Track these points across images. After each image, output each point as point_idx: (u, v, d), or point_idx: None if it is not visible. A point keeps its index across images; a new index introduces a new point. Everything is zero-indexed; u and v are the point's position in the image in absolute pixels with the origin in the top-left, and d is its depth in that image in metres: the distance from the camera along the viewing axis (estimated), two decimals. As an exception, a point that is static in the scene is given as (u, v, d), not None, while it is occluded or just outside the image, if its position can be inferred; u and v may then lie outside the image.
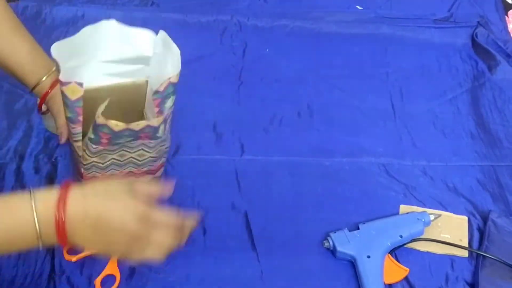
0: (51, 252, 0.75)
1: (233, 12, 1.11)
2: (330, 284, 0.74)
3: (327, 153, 0.89)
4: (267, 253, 0.77)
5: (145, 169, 0.68)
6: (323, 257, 0.76)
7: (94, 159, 0.62)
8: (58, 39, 1.04)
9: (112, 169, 0.65)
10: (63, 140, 0.78)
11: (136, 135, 0.60)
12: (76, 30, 1.08)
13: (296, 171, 0.87)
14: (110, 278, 0.72)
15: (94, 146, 0.60)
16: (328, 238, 0.76)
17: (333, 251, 0.76)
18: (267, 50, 1.06)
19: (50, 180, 0.82)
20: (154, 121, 0.59)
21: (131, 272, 0.74)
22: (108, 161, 0.64)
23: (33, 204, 0.49)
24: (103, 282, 0.72)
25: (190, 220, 0.58)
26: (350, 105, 0.97)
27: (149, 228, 0.53)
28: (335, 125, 0.94)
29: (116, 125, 0.57)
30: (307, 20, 1.11)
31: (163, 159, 0.69)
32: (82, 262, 0.74)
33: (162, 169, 0.71)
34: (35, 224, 0.49)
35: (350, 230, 0.77)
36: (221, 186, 0.84)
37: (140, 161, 0.66)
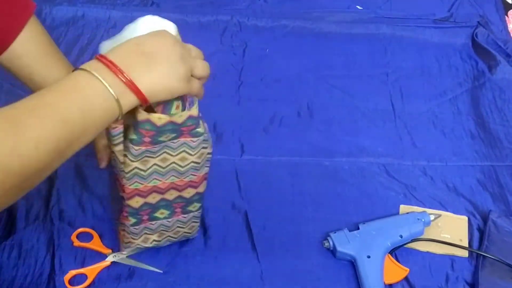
0: (51, 252, 0.75)
1: (233, 12, 1.11)
2: (330, 284, 0.74)
3: (327, 153, 0.89)
4: (267, 253, 0.77)
5: (187, 179, 0.64)
6: (323, 257, 0.76)
7: (136, 164, 0.60)
8: (58, 39, 1.06)
9: (154, 178, 0.63)
10: (103, 164, 0.75)
11: (178, 130, 0.58)
12: (76, 30, 1.10)
13: (296, 171, 0.87)
14: (82, 277, 0.73)
15: (136, 148, 0.58)
16: (328, 238, 0.76)
17: (333, 251, 0.76)
18: (267, 50, 1.06)
19: (49, 180, 0.82)
20: (194, 110, 0.58)
21: (131, 272, 0.74)
22: (150, 167, 0.61)
23: (94, 74, 0.49)
24: (75, 281, 0.72)
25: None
26: (350, 105, 0.97)
27: (185, 49, 0.56)
28: (335, 125, 0.94)
29: (159, 118, 0.56)
30: (307, 20, 1.11)
31: (206, 169, 0.65)
32: (82, 262, 0.74)
33: (205, 183, 0.67)
34: (105, 85, 0.49)
35: (350, 230, 0.77)
36: (221, 186, 0.84)
37: (182, 167, 0.62)
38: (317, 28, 1.10)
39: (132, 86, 0.50)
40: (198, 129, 0.59)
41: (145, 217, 0.68)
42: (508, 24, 1.15)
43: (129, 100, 0.51)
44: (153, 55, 0.53)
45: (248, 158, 0.88)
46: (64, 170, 0.83)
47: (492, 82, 1.01)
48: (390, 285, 0.74)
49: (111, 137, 0.58)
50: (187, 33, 1.06)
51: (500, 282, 0.73)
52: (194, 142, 0.60)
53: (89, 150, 0.86)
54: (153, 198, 0.65)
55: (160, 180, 0.63)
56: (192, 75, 0.56)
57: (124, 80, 0.50)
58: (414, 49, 1.08)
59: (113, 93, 0.49)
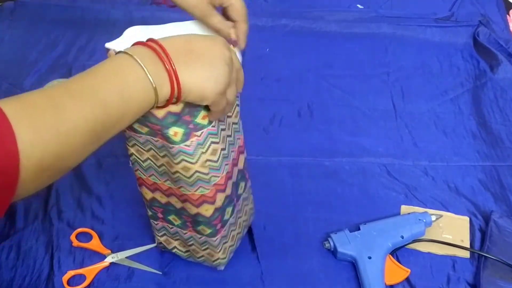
0: (50, 252, 0.74)
1: (233, 11, 1.10)
2: (330, 285, 0.74)
3: (327, 153, 0.89)
4: (267, 253, 0.76)
5: (182, 190, 0.60)
6: (324, 257, 0.76)
7: (132, 150, 0.59)
8: (57, 38, 1.05)
9: (152, 174, 0.61)
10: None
11: (145, 123, 0.54)
12: (76, 29, 1.09)
13: (296, 171, 0.86)
14: (81, 277, 0.73)
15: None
16: (329, 238, 0.76)
17: (333, 252, 0.76)
18: (267, 49, 1.06)
19: (49, 180, 0.81)
20: (158, 111, 0.52)
21: (130, 273, 0.73)
22: (146, 160, 0.59)
23: (137, 59, 0.48)
24: (73, 281, 0.72)
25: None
26: (350, 104, 0.97)
27: (233, 62, 0.56)
28: (335, 125, 0.94)
29: None
30: (307, 19, 1.10)
31: (203, 190, 0.59)
32: (81, 263, 0.74)
33: (208, 208, 0.61)
34: (146, 72, 0.48)
35: (350, 231, 0.76)
36: (221, 186, 0.83)
37: (172, 173, 0.58)
38: (317, 28, 1.09)
39: (174, 76, 0.50)
40: (168, 134, 0.54)
41: (160, 215, 0.67)
42: (509, 24, 1.14)
43: (165, 91, 0.50)
44: (200, 56, 0.52)
45: (248, 158, 0.87)
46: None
47: (493, 81, 1.01)
48: (391, 286, 0.73)
49: None
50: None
51: (502, 283, 0.73)
52: (171, 148, 0.55)
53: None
54: (161, 197, 0.64)
55: (159, 180, 0.62)
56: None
57: (168, 68, 0.50)
58: (415, 49, 1.07)
59: (152, 81, 0.49)
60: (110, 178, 0.83)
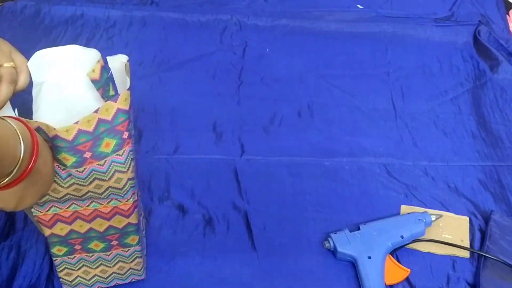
0: (50, 253, 0.74)
1: (233, 11, 1.11)
2: (330, 285, 0.74)
3: (327, 153, 0.89)
4: (267, 253, 0.76)
5: (113, 203, 0.59)
6: (324, 257, 0.76)
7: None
8: (57, 38, 1.05)
9: (72, 203, 0.58)
10: None
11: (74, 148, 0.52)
12: (75, 29, 1.09)
13: (296, 171, 0.86)
14: None
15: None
16: (329, 238, 0.76)
17: (333, 252, 0.76)
18: (267, 49, 1.06)
19: (49, 180, 0.81)
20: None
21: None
22: (65, 195, 0.56)
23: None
24: None
25: None
26: (350, 104, 0.97)
27: None
28: (335, 125, 0.94)
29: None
30: (307, 19, 1.10)
31: (134, 197, 0.59)
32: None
33: (135, 214, 0.61)
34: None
35: (350, 231, 0.76)
36: (221, 186, 0.83)
37: (103, 192, 0.57)
38: (317, 28, 1.09)
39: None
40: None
41: (78, 247, 0.63)
42: (509, 23, 1.14)
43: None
44: None
45: (248, 158, 0.87)
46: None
47: (493, 81, 1.01)
48: (391, 285, 0.74)
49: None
50: (186, 33, 1.06)
51: (502, 283, 0.73)
52: (104, 163, 0.54)
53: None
54: (80, 227, 0.61)
55: (80, 206, 0.58)
56: None
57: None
58: (415, 48, 1.07)
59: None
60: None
